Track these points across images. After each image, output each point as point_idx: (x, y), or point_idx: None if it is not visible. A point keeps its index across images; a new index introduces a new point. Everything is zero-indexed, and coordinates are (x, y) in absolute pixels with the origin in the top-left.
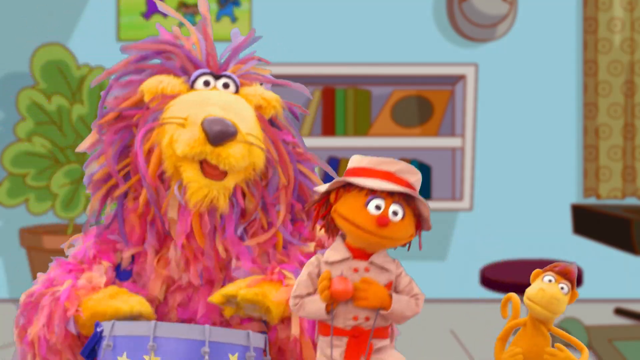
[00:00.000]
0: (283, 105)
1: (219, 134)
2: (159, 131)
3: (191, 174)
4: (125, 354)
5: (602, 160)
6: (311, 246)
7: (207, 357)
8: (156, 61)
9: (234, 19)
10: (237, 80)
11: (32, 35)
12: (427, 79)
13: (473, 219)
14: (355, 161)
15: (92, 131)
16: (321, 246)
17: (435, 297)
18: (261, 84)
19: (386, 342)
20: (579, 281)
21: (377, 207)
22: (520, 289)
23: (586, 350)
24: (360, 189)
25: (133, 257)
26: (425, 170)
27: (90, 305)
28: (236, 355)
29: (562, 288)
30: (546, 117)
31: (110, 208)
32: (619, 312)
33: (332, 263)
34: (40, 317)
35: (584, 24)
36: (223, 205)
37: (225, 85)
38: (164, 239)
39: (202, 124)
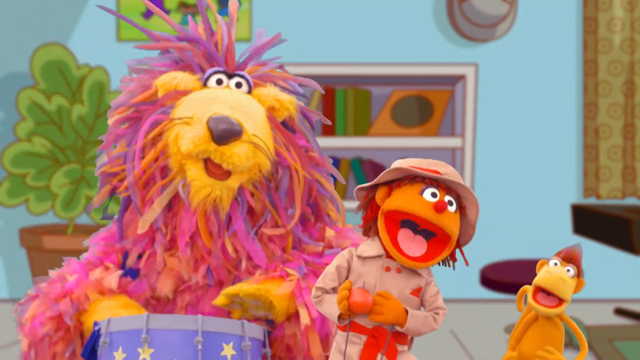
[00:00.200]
0: (298, 109)
1: (224, 133)
2: (166, 126)
3: (195, 172)
4: (120, 348)
5: (602, 160)
6: (319, 247)
7: (200, 346)
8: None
9: None
10: (250, 80)
11: (32, 35)
12: (427, 79)
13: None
14: (401, 162)
15: (109, 117)
16: (330, 246)
17: None
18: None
19: (404, 347)
20: None
21: (433, 195)
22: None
23: (586, 349)
24: (413, 182)
25: (140, 256)
26: None
27: (100, 313)
28: (231, 344)
29: (568, 270)
30: (546, 117)
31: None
32: (619, 312)
33: (364, 258)
34: (44, 302)
35: (584, 24)
36: (226, 205)
37: (238, 85)
38: (174, 238)
39: (208, 121)
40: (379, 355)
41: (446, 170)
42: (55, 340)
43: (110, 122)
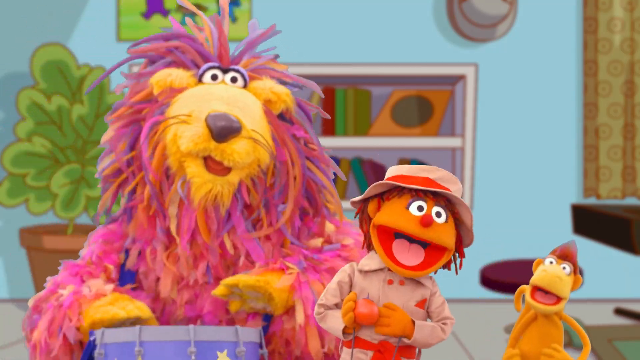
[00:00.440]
0: (294, 100)
1: (223, 130)
2: (164, 127)
3: (195, 170)
4: None
5: (602, 160)
6: (319, 241)
7: (193, 357)
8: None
9: (233, 19)
10: (246, 74)
11: (32, 35)
12: (427, 79)
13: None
14: (393, 170)
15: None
16: (329, 242)
17: None
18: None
19: None
20: None
21: (420, 208)
22: None
23: (588, 345)
24: (401, 194)
25: (139, 255)
26: None
27: (91, 313)
28: (225, 352)
29: (563, 268)
30: (546, 117)
31: (121, 203)
32: (619, 312)
33: (366, 272)
34: (43, 322)
35: (584, 24)
36: (227, 200)
37: (233, 79)
38: (173, 235)
39: (206, 119)
40: None
41: (438, 175)
42: (58, 355)
43: (110, 124)
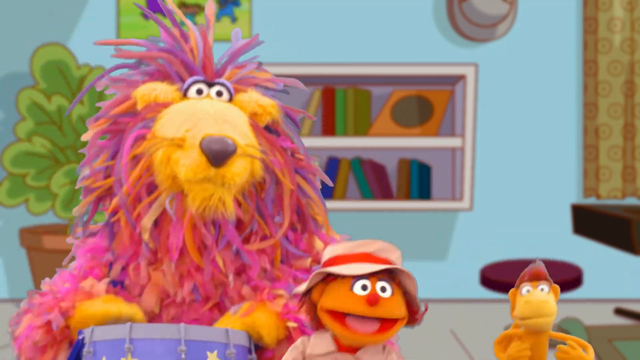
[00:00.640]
0: (280, 110)
1: (220, 155)
2: (154, 146)
3: (195, 187)
4: (104, 358)
5: (602, 160)
6: (307, 261)
7: (184, 355)
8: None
9: (233, 19)
10: (231, 87)
11: (32, 35)
12: (427, 79)
13: (473, 219)
14: (330, 252)
15: (89, 127)
16: (318, 261)
17: (435, 297)
18: (256, 86)
19: None
20: (579, 281)
21: (364, 287)
22: None
23: (591, 347)
24: (343, 276)
25: (123, 269)
26: (425, 170)
27: (82, 308)
28: (215, 352)
29: (542, 290)
30: (546, 117)
31: (101, 217)
32: (619, 312)
33: (317, 356)
34: (34, 314)
35: (584, 24)
36: (230, 207)
37: (219, 93)
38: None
39: (201, 145)
40: None
41: (376, 247)
42: (44, 349)
43: (89, 134)
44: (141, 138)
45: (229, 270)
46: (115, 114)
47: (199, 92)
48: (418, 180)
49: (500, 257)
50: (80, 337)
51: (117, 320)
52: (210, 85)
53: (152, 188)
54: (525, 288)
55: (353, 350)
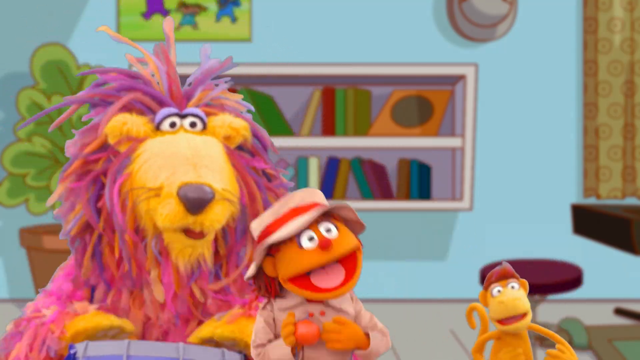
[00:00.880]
0: (251, 132)
1: (198, 203)
2: (130, 189)
3: (173, 236)
4: None
5: (602, 160)
6: None
7: None
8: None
9: (233, 19)
10: (204, 117)
11: (32, 35)
12: (427, 79)
13: (473, 219)
14: (258, 226)
15: (59, 183)
16: None
17: (435, 297)
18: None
19: None
20: (579, 281)
21: (310, 239)
22: None
23: (565, 343)
24: (285, 241)
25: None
26: (425, 170)
27: (73, 324)
28: None
29: (512, 287)
30: (546, 117)
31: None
32: (619, 312)
33: (285, 310)
34: (24, 339)
35: (584, 24)
36: (208, 257)
37: (192, 124)
38: (138, 278)
39: (178, 194)
40: None
41: (299, 197)
42: None
43: (61, 189)
44: (122, 183)
45: (207, 295)
46: (88, 152)
47: (172, 125)
48: (418, 180)
49: (500, 257)
50: (72, 352)
51: (108, 332)
52: (182, 116)
53: (138, 233)
54: (496, 289)
55: (320, 300)
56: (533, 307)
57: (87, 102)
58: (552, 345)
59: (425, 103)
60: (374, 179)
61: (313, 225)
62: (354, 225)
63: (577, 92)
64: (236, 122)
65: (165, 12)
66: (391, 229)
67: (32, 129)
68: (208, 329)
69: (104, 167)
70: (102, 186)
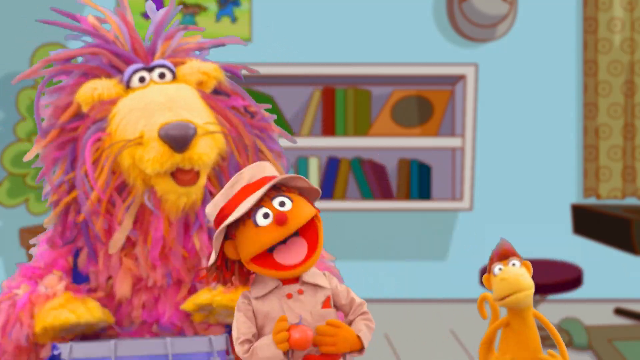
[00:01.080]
0: (223, 70)
1: (181, 139)
2: (109, 146)
3: (166, 187)
4: None
5: (602, 160)
6: None
7: None
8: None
9: (233, 19)
10: (172, 66)
11: (32, 35)
12: (427, 79)
13: (473, 219)
14: (212, 209)
15: (35, 144)
16: None
17: (435, 297)
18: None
19: None
20: (579, 281)
21: (265, 216)
22: None
23: (562, 344)
24: (241, 221)
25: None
26: (425, 170)
27: (41, 317)
28: None
29: (513, 265)
30: (546, 117)
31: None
32: (619, 312)
33: (263, 297)
34: None
35: (584, 24)
36: (200, 204)
37: (162, 75)
38: (129, 237)
39: (160, 135)
40: None
41: (248, 175)
42: (12, 357)
43: (37, 149)
44: (97, 141)
45: (202, 253)
46: (64, 121)
47: (142, 80)
48: (418, 180)
49: None
50: (55, 352)
51: (77, 327)
52: (150, 69)
53: (120, 190)
54: (497, 267)
55: (295, 278)
56: (533, 307)
57: (59, 73)
58: (552, 345)
59: (425, 103)
60: (374, 179)
61: (266, 201)
62: (310, 193)
63: (577, 92)
64: (206, 66)
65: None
66: (391, 229)
67: (32, 129)
68: (206, 295)
69: (81, 133)
70: (78, 153)
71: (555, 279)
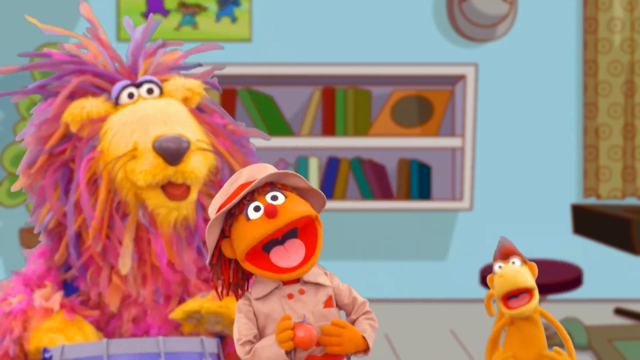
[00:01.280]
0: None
1: (175, 152)
2: (104, 166)
3: (157, 201)
4: None
5: (602, 160)
6: None
7: None
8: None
9: (233, 19)
10: (159, 82)
11: (32, 35)
12: (427, 79)
13: (473, 219)
14: (212, 207)
15: (21, 175)
16: None
17: (435, 297)
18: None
19: None
20: (579, 281)
21: (257, 208)
22: None
23: (569, 341)
24: (233, 215)
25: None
26: (425, 170)
27: (37, 337)
28: None
29: (513, 263)
30: (546, 117)
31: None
32: (619, 312)
33: (264, 297)
34: None
35: (584, 24)
36: (192, 219)
37: (150, 91)
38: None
39: (154, 147)
40: None
41: (247, 174)
42: None
43: (24, 181)
44: (90, 160)
45: (191, 270)
46: (52, 145)
47: (130, 96)
48: (418, 180)
49: None
50: (46, 356)
51: None
52: (138, 85)
53: (119, 208)
54: (497, 265)
55: (296, 279)
56: None
57: (38, 93)
58: (558, 343)
59: (425, 103)
60: (374, 179)
61: (260, 195)
62: (312, 197)
63: (577, 92)
64: (190, 83)
65: (165, 12)
66: (391, 229)
67: None
68: (195, 303)
69: (71, 155)
70: (72, 175)
71: (555, 279)
